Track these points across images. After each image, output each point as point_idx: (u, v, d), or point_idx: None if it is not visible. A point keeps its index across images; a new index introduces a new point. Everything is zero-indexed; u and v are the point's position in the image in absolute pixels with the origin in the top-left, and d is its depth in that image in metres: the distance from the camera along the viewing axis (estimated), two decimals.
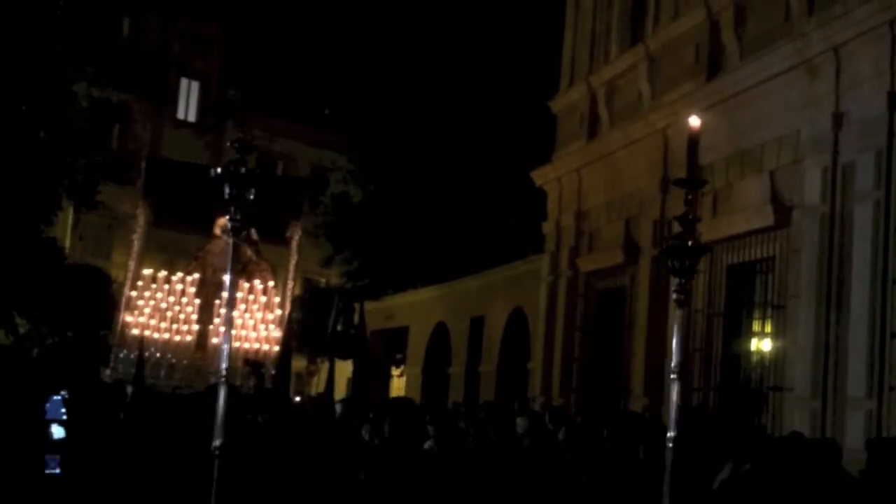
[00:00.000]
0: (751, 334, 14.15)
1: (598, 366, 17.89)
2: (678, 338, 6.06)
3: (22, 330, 25.39)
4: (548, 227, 20.15)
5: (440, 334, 26.55)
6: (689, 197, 6.00)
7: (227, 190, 5.97)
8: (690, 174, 6.15)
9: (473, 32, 29.11)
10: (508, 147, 27.60)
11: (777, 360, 13.14)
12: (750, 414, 13.56)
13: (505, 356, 23.12)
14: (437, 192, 29.11)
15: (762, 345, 13.78)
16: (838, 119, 12.17)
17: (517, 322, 22.61)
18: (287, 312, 17.65)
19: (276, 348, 17.22)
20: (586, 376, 18.19)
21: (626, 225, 17.24)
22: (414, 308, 28.32)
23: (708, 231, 14.83)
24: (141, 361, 14.66)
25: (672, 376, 5.96)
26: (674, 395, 5.96)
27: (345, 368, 34.24)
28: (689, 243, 5.92)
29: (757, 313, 14.05)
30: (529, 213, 22.70)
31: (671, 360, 6.06)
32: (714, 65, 15.14)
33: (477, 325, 24.62)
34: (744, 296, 14.38)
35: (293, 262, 18.17)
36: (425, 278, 28.58)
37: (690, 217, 5.97)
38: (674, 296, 6.11)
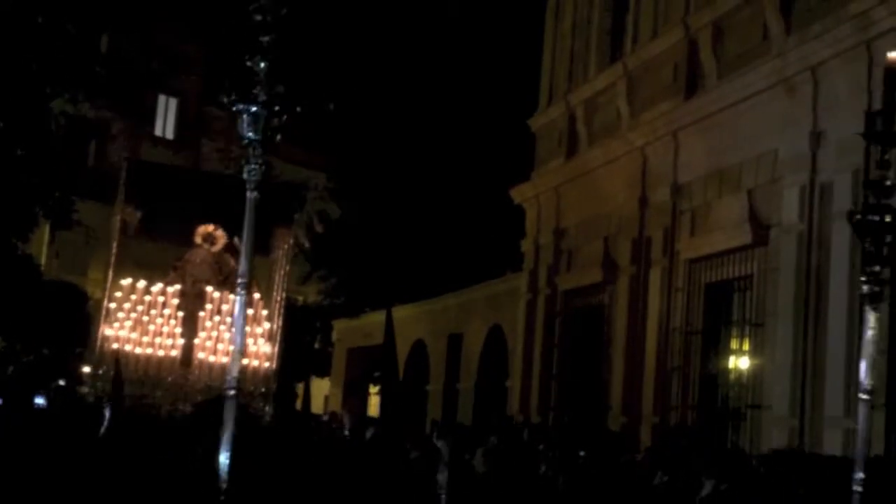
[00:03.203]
0: (729, 352, 14.16)
1: (576, 384, 17.85)
2: (868, 345, 4.71)
3: None
4: (526, 245, 20.14)
5: (418, 352, 26.48)
6: (886, 157, 4.70)
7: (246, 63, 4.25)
8: (887, 125, 4.75)
9: (452, 52, 29.11)
10: (487, 165, 27.60)
11: (755, 379, 13.15)
12: (728, 432, 13.57)
13: (483, 374, 23.06)
14: (416, 210, 29.07)
15: (740, 363, 13.79)
16: (816, 138, 12.22)
17: (495, 340, 22.56)
18: (278, 327, 17.10)
19: (266, 364, 16.77)
20: (565, 394, 18.16)
21: (604, 243, 17.24)
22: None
23: (686, 249, 14.89)
24: (119, 379, 14.09)
25: (863, 396, 4.71)
26: (861, 420, 4.75)
27: (322, 386, 34.17)
28: (889, 219, 4.69)
29: (735, 331, 14.06)
30: (508, 231, 22.68)
31: (863, 377, 4.74)
32: (692, 84, 15.18)
33: (455, 342, 24.56)
34: (722, 314, 14.40)
35: (281, 272, 17.47)
36: (403, 296, 28.51)
37: (888, 183, 4.73)
38: (864, 288, 4.83)
